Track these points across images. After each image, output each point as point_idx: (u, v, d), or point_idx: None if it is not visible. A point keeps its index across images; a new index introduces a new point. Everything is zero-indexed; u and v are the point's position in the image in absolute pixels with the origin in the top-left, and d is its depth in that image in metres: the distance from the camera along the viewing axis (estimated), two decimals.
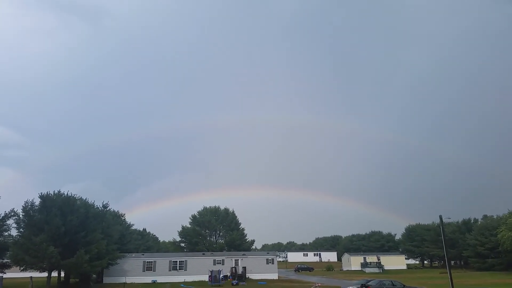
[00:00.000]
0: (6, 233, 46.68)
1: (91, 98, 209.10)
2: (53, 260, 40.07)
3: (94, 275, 51.95)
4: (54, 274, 45.40)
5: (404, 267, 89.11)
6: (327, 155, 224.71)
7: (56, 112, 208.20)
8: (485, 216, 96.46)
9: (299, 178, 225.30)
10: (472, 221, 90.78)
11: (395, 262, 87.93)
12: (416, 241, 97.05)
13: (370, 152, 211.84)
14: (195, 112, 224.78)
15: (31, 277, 43.78)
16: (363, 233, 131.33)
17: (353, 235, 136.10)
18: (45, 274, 44.62)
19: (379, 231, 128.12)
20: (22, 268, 43.01)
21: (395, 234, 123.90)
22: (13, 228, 45.37)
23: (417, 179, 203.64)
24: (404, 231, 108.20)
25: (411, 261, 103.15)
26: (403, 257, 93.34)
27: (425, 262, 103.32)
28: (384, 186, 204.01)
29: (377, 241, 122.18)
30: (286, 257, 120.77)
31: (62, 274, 46.39)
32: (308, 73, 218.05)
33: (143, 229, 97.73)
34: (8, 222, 45.51)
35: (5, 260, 46.45)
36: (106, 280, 52.38)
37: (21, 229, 43.34)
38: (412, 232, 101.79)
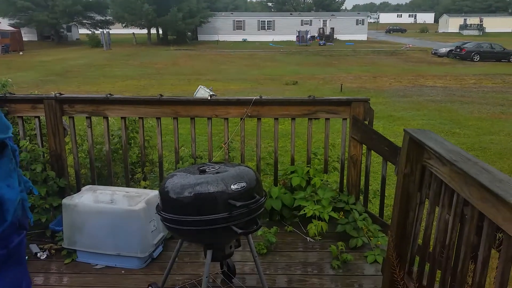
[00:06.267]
0: None
1: None
2: (150, 17, 43.41)
3: (189, 33, 55.23)
4: (153, 31, 49.15)
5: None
6: None
7: None
8: None
9: None
10: None
11: (502, 24, 79.43)
12: None
13: None
14: None
15: (133, 33, 47.96)
16: None
17: None
18: (145, 31, 48.54)
19: None
20: (124, 25, 46.99)
21: None
22: None
23: None
24: None
25: None
26: None
27: None
28: None
29: (484, 1, 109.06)
30: (378, 18, 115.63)
31: (161, 32, 50.08)
32: None
33: None
34: None
35: (107, 17, 50.47)
36: (201, 37, 55.57)
37: None
38: None
